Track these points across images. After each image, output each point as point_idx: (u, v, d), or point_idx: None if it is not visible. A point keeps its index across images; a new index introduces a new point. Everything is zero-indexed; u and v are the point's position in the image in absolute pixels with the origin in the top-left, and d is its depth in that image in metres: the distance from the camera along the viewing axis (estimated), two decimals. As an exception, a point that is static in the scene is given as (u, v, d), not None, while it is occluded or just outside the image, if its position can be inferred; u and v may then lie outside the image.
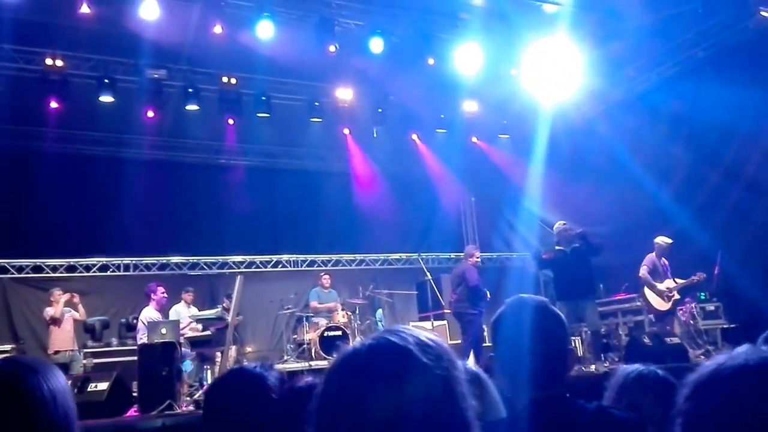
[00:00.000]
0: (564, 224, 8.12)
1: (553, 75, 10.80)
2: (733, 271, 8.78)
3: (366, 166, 13.51)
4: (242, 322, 10.28)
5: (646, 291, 8.68)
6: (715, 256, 8.76)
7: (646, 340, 7.63)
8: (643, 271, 8.62)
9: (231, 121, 11.09)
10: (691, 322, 9.03)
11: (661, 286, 8.56)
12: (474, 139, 13.40)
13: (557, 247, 7.99)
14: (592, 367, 7.69)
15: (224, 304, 9.68)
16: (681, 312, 9.27)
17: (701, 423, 1.06)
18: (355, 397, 0.91)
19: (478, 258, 9.25)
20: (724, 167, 9.68)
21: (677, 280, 8.59)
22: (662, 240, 8.67)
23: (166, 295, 8.87)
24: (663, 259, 8.72)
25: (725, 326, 9.00)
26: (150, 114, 10.60)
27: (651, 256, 8.73)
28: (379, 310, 11.63)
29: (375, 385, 0.91)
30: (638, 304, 9.64)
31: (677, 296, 8.57)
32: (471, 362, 7.72)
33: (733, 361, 1.07)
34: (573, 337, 8.41)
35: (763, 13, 8.90)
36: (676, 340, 7.72)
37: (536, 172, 12.63)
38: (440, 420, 0.93)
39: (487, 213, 14.57)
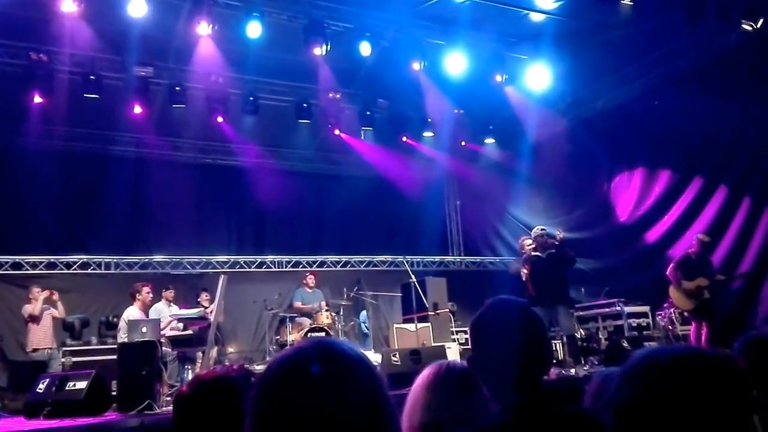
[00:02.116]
0: (542, 230, 8.11)
1: (539, 82, 10.91)
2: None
3: (352, 168, 13.53)
4: (222, 322, 10.20)
5: (671, 288, 8.19)
6: None
7: (626, 344, 7.71)
8: (670, 268, 8.16)
9: (220, 119, 11.01)
10: (670, 327, 9.15)
11: (690, 284, 8.01)
12: (462, 143, 13.46)
13: (533, 253, 7.99)
14: (572, 370, 7.76)
15: (200, 299, 9.62)
16: (660, 317, 9.39)
17: (633, 409, 1.10)
18: (311, 401, 0.91)
19: (529, 246, 8.18)
20: (706, 175, 9.83)
21: (720, 276, 8.11)
22: (699, 237, 8.21)
23: (151, 294, 8.81)
24: (705, 256, 8.21)
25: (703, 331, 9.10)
26: (136, 111, 10.52)
27: (686, 253, 8.25)
28: (363, 312, 11.64)
29: (323, 388, 0.91)
30: (617, 308, 9.77)
31: (708, 295, 7.96)
32: (456, 357, 7.75)
33: (660, 351, 1.14)
34: (554, 341, 8.47)
35: (745, 27, 9.05)
36: (654, 344, 7.81)
37: (521, 178, 12.76)
38: (384, 413, 0.96)
39: (472, 217, 14.65)
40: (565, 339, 8.13)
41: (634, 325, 9.46)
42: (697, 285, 7.99)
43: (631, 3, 8.65)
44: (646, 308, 9.75)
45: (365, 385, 0.95)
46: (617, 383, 1.19)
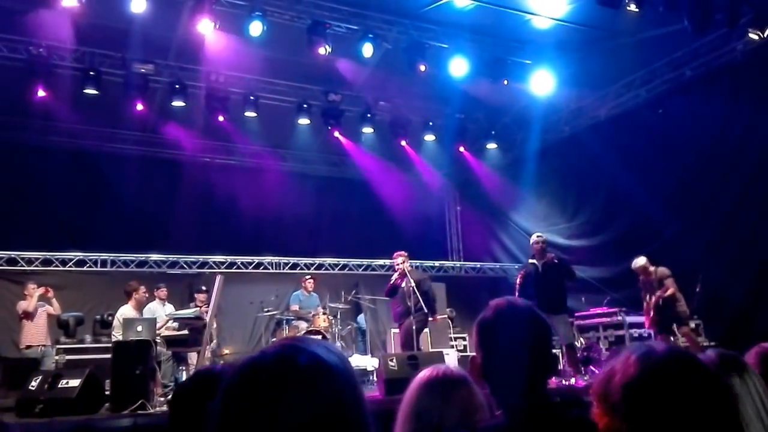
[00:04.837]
0: (538, 236, 8.07)
1: (543, 88, 10.85)
2: (716, 287, 8.80)
3: (352, 170, 13.45)
4: (219, 323, 10.08)
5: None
6: (698, 272, 8.78)
7: (627, 354, 7.58)
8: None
9: (221, 118, 10.94)
10: (671, 339, 9.04)
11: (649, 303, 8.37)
12: (463, 148, 13.40)
13: (531, 261, 7.93)
14: (572, 380, 7.68)
15: (198, 300, 9.53)
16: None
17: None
18: (268, 408, 0.87)
19: (395, 264, 8.44)
20: (710, 183, 9.76)
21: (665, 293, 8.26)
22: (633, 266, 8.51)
23: (147, 294, 8.74)
24: (651, 276, 8.41)
25: (705, 344, 9.02)
26: (136, 108, 10.45)
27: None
28: (361, 315, 11.54)
29: (291, 394, 0.88)
30: (619, 318, 9.67)
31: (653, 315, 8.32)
32: (455, 364, 7.64)
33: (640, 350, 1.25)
34: (554, 350, 8.38)
35: (752, 35, 9.00)
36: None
37: (524, 184, 12.69)
38: (350, 420, 0.92)
39: (472, 222, 14.58)
40: (564, 348, 8.05)
41: (636, 335, 9.35)
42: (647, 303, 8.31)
43: (638, 10, 8.59)
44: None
45: (328, 394, 0.90)
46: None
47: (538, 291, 7.58)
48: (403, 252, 8.54)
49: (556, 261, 7.83)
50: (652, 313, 8.35)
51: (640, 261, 8.44)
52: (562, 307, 7.94)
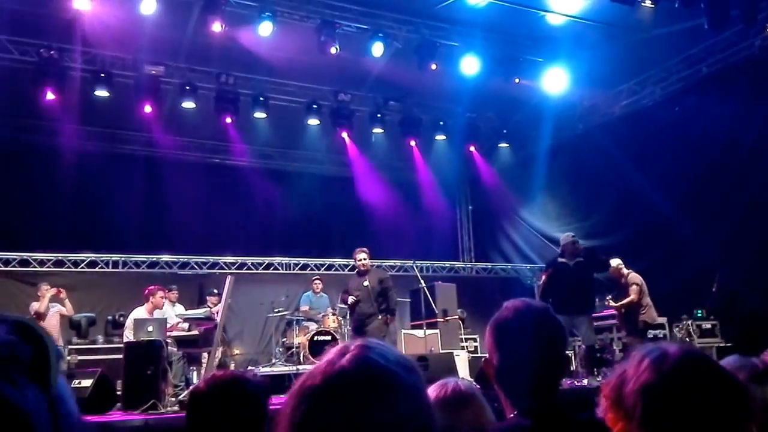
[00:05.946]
0: (572, 237, 8.04)
1: (556, 86, 10.75)
2: (732, 287, 8.66)
3: (363, 171, 13.40)
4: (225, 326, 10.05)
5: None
6: (715, 272, 8.66)
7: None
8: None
9: (229, 120, 10.94)
10: (687, 339, 8.93)
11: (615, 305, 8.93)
12: (474, 148, 13.30)
13: (560, 259, 7.88)
14: (585, 381, 7.59)
15: (209, 302, 9.51)
16: (678, 329, 9.19)
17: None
18: (344, 420, 0.87)
19: (357, 260, 8.34)
20: (727, 182, 9.62)
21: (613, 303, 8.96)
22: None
23: (165, 299, 8.75)
24: (622, 279, 8.73)
25: (721, 345, 8.90)
26: (146, 110, 10.47)
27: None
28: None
29: (365, 410, 0.88)
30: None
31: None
32: (466, 375, 7.57)
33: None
34: (567, 351, 8.30)
35: (770, 31, 8.85)
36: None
37: (536, 183, 12.58)
38: (427, 426, 0.93)
39: (484, 222, 14.49)
40: (582, 349, 7.98)
41: (651, 336, 9.22)
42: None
43: (653, 6, 8.47)
44: (663, 319, 9.49)
45: (408, 402, 0.92)
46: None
47: (567, 291, 7.52)
48: (365, 248, 8.48)
49: (582, 259, 7.77)
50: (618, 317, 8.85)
51: (613, 263, 8.63)
52: (589, 306, 7.95)
